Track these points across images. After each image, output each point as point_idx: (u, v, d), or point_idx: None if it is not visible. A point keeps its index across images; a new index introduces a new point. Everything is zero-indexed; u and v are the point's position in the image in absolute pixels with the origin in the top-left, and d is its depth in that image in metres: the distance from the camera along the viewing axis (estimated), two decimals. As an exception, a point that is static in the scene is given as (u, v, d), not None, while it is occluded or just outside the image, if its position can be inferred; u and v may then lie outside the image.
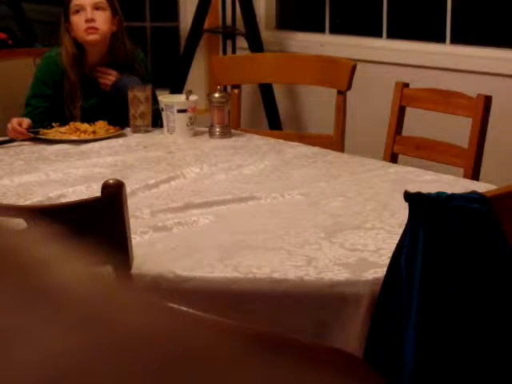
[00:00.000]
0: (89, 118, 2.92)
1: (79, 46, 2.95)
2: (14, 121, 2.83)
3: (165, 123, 2.87)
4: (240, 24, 4.25)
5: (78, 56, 2.94)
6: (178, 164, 2.52)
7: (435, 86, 2.91)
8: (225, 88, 3.11)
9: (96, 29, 2.91)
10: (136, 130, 2.92)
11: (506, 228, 1.55)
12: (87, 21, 2.90)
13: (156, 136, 2.90)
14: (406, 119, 2.85)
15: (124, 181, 1.59)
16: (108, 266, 1.52)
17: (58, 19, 3.07)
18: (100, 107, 2.99)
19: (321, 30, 4.26)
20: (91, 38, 2.92)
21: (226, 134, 2.86)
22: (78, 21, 2.92)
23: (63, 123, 2.88)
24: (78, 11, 2.93)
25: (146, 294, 0.41)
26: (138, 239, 1.84)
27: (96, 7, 2.93)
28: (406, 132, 2.87)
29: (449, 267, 1.51)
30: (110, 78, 2.98)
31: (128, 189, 1.80)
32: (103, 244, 1.54)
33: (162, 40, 4.87)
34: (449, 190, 1.59)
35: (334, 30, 4.24)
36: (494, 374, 1.55)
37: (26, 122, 2.83)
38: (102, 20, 2.93)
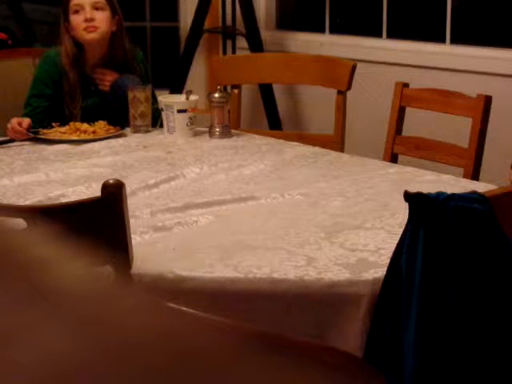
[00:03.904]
0: (89, 118, 2.92)
1: (79, 46, 2.95)
2: (14, 121, 2.83)
3: (165, 123, 2.87)
4: (240, 24, 4.25)
5: (77, 56, 2.95)
6: (178, 164, 2.52)
7: (435, 85, 2.91)
8: (225, 88, 3.11)
9: (95, 27, 2.91)
10: (136, 130, 2.92)
11: (506, 228, 1.55)
12: (86, 20, 2.91)
13: (156, 136, 2.90)
14: (406, 119, 2.85)
15: (124, 181, 1.59)
16: (108, 265, 1.52)
17: (57, 19, 3.07)
18: (100, 107, 2.99)
19: (321, 30, 4.26)
20: (91, 36, 2.92)
21: (226, 133, 2.86)
22: (78, 20, 2.92)
23: (63, 123, 2.89)
24: (77, 11, 2.93)
25: (146, 294, 0.41)
26: (138, 239, 1.84)
27: (95, 7, 2.93)
28: (405, 132, 2.87)
29: (449, 267, 1.51)
30: (106, 80, 2.98)
31: (128, 189, 1.80)
32: (103, 244, 1.54)
33: (162, 40, 4.87)
34: (449, 190, 1.59)
35: (334, 30, 4.24)
36: (493, 373, 1.55)
37: (26, 121, 2.83)
38: (102, 19, 2.93)
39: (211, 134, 2.86)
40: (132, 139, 2.85)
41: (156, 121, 2.96)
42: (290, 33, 4.36)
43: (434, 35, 3.86)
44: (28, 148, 2.77)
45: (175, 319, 0.40)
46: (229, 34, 4.38)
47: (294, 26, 4.47)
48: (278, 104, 4.22)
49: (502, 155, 3.30)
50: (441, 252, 1.52)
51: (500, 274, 1.54)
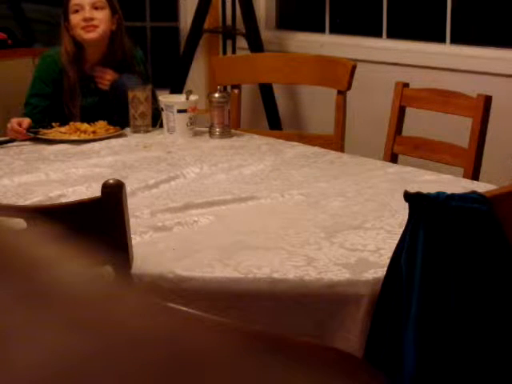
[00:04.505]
0: (88, 117, 2.92)
1: (78, 45, 2.96)
2: (14, 121, 2.83)
3: (165, 123, 2.87)
4: (240, 24, 4.25)
5: (77, 55, 2.95)
6: (178, 164, 2.52)
7: (435, 86, 2.90)
8: (225, 88, 3.11)
9: (95, 26, 2.92)
10: (136, 130, 2.92)
11: (506, 228, 1.55)
12: (86, 20, 2.91)
13: (156, 136, 2.90)
14: (406, 119, 2.85)
15: (124, 181, 1.59)
16: (108, 266, 1.52)
17: (57, 19, 3.07)
18: (99, 106, 2.99)
19: (321, 30, 4.26)
20: (90, 35, 2.92)
21: (225, 133, 2.86)
22: (77, 20, 2.93)
23: (63, 122, 2.89)
24: (77, 11, 2.93)
25: (146, 294, 0.41)
26: (138, 239, 1.84)
27: (95, 6, 2.93)
28: (405, 132, 2.87)
29: (449, 267, 1.51)
30: (106, 79, 2.98)
31: (128, 189, 1.80)
32: (103, 244, 1.54)
33: (162, 40, 4.87)
34: (449, 190, 1.59)
35: (334, 30, 4.24)
36: (493, 373, 1.55)
37: (26, 121, 2.83)
38: (101, 19, 2.93)
39: (211, 134, 2.86)
40: (132, 139, 2.85)
41: (156, 121, 2.96)
42: (290, 33, 4.36)
43: (434, 35, 3.86)
44: (28, 148, 2.77)
45: (175, 319, 0.40)
46: (229, 33, 4.38)
47: (294, 25, 4.47)
48: (278, 104, 4.22)
49: (501, 155, 3.30)
50: (441, 252, 1.52)
51: (500, 273, 1.54)
